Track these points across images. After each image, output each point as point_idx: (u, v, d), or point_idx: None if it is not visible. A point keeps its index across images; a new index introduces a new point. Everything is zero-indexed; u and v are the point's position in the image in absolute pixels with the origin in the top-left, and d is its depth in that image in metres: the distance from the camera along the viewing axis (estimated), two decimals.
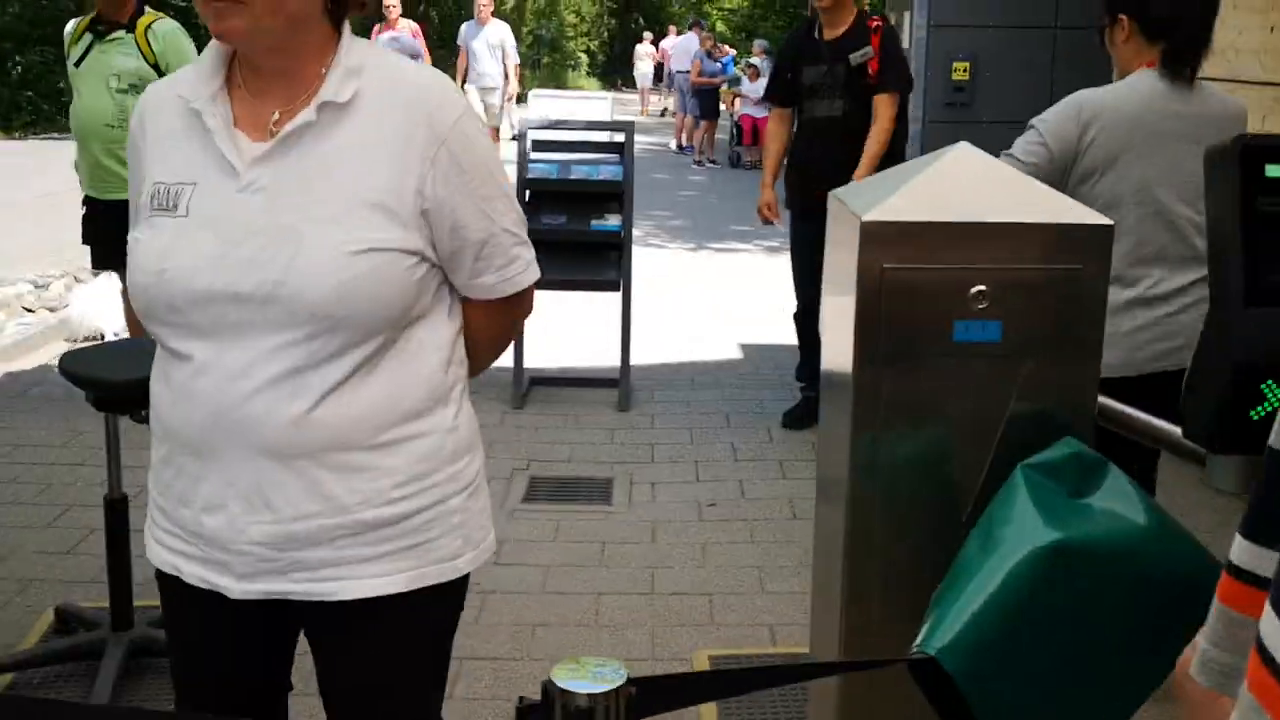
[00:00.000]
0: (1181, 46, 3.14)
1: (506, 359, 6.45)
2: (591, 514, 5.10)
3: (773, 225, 6.51)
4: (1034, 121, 3.21)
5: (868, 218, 1.81)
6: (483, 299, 1.89)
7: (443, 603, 1.88)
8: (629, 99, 31.50)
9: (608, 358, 6.78)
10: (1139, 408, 2.01)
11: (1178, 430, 1.73)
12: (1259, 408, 1.51)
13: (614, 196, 6.42)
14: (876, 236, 1.81)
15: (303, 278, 1.66)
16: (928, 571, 1.84)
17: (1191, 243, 3.11)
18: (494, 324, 1.94)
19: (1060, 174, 3.15)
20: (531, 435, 5.97)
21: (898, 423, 1.85)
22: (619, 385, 6.50)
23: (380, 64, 1.80)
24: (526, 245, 1.89)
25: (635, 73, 29.96)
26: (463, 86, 14.23)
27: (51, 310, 7.66)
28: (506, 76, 15.18)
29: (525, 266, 1.89)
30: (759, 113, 18.00)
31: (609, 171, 6.44)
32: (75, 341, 6.91)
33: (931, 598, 1.72)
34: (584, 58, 40.35)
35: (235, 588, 1.78)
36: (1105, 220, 1.83)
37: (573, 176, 6.43)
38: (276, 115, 1.75)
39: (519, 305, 1.95)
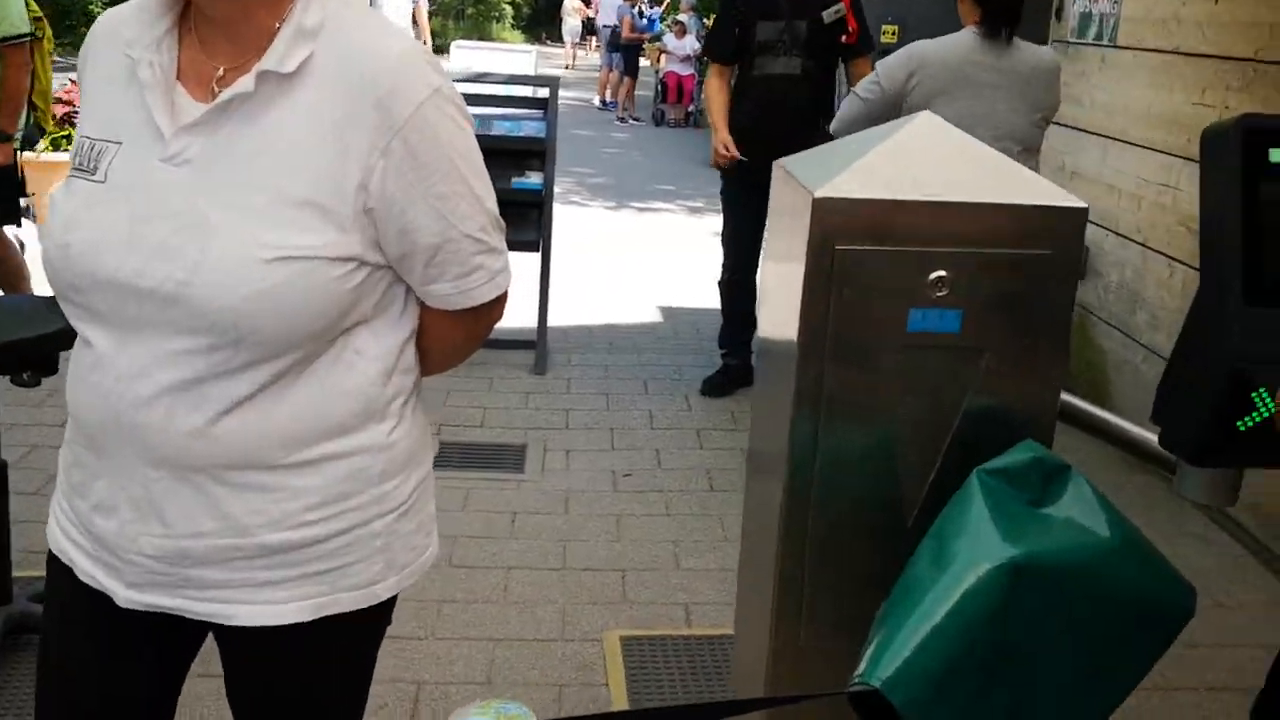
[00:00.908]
0: (997, 11, 4.01)
1: None
2: (503, 483, 4.90)
3: (737, 163, 5.56)
4: (877, 64, 4.18)
5: (820, 193, 1.63)
6: (440, 308, 1.64)
7: (359, 631, 1.66)
8: (554, 53, 31.01)
9: (525, 319, 6.57)
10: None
11: (1150, 435, 1.59)
12: (1247, 418, 1.37)
13: (536, 154, 6.18)
14: (829, 214, 1.63)
15: (207, 282, 1.43)
16: (866, 574, 1.69)
17: None
18: (452, 334, 1.69)
19: (892, 109, 3.95)
20: (442, 398, 5.75)
21: (842, 416, 1.69)
22: (535, 348, 6.30)
23: (343, 26, 1.49)
24: (494, 254, 1.62)
25: (563, 27, 29.48)
26: None
27: None
28: (415, 24, 13.42)
29: (488, 278, 1.62)
30: (684, 70, 17.80)
31: (532, 128, 6.20)
32: None
33: (876, 615, 1.57)
34: (509, 9, 39.63)
35: (122, 594, 1.55)
36: (1079, 202, 1.67)
37: (494, 133, 6.17)
38: (221, 72, 1.49)
39: (484, 317, 1.69)
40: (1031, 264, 1.67)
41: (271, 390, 1.50)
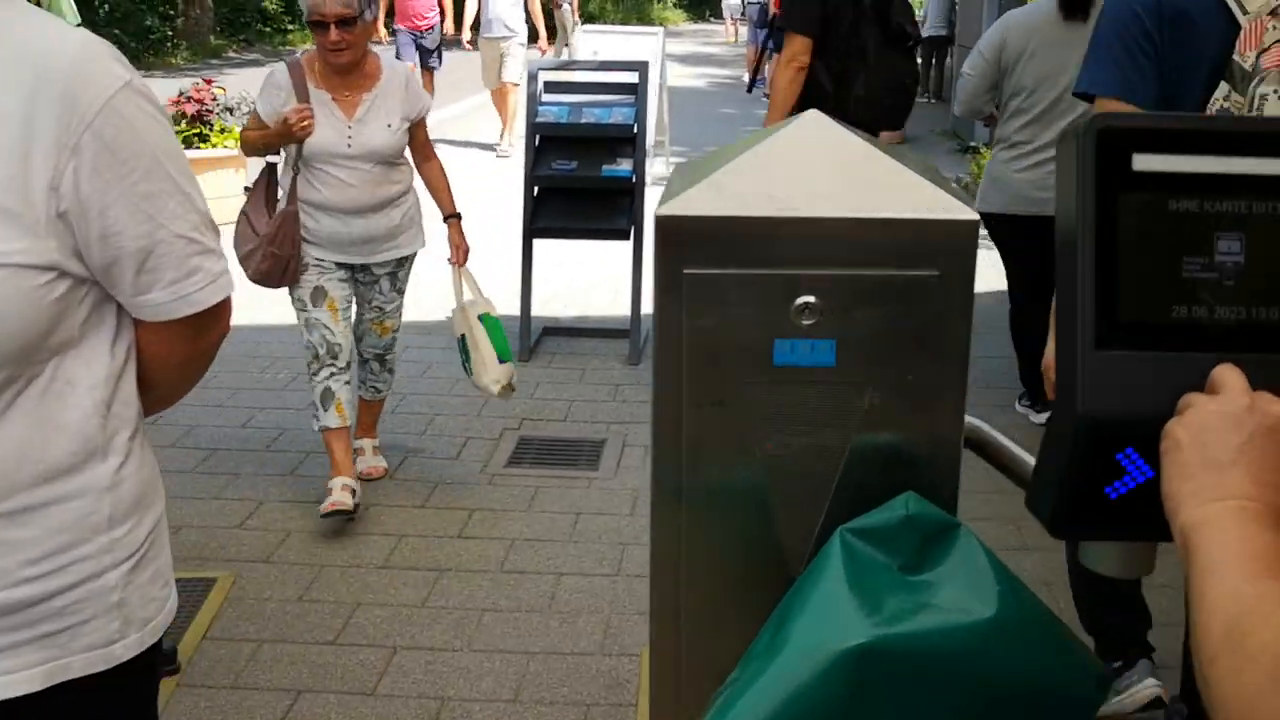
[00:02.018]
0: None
1: (513, 307, 6.20)
2: (573, 481, 4.78)
3: None
4: (978, 43, 4.93)
5: (663, 210, 1.43)
6: (157, 320, 1.49)
7: (102, 698, 1.50)
8: (715, 30, 30.69)
9: (620, 307, 6.45)
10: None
11: None
12: (1118, 482, 1.12)
13: (627, 140, 6.02)
14: (674, 234, 1.43)
15: None
16: (743, 647, 1.48)
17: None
18: (176, 350, 1.54)
19: (999, 72, 4.78)
20: (530, 390, 5.66)
21: (707, 461, 1.49)
22: (629, 337, 6.16)
23: (17, 24, 1.37)
24: (213, 255, 1.49)
25: (723, 3, 29.16)
26: (472, 39, 12.23)
27: None
28: (529, 13, 11.39)
29: (209, 280, 1.48)
30: None
31: (621, 114, 6.03)
32: None
33: (713, 696, 1.37)
34: None
35: None
36: (969, 214, 1.42)
37: (583, 120, 6.03)
38: None
39: (209, 326, 1.54)
40: (915, 287, 1.43)
41: None
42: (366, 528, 4.34)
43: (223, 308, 1.52)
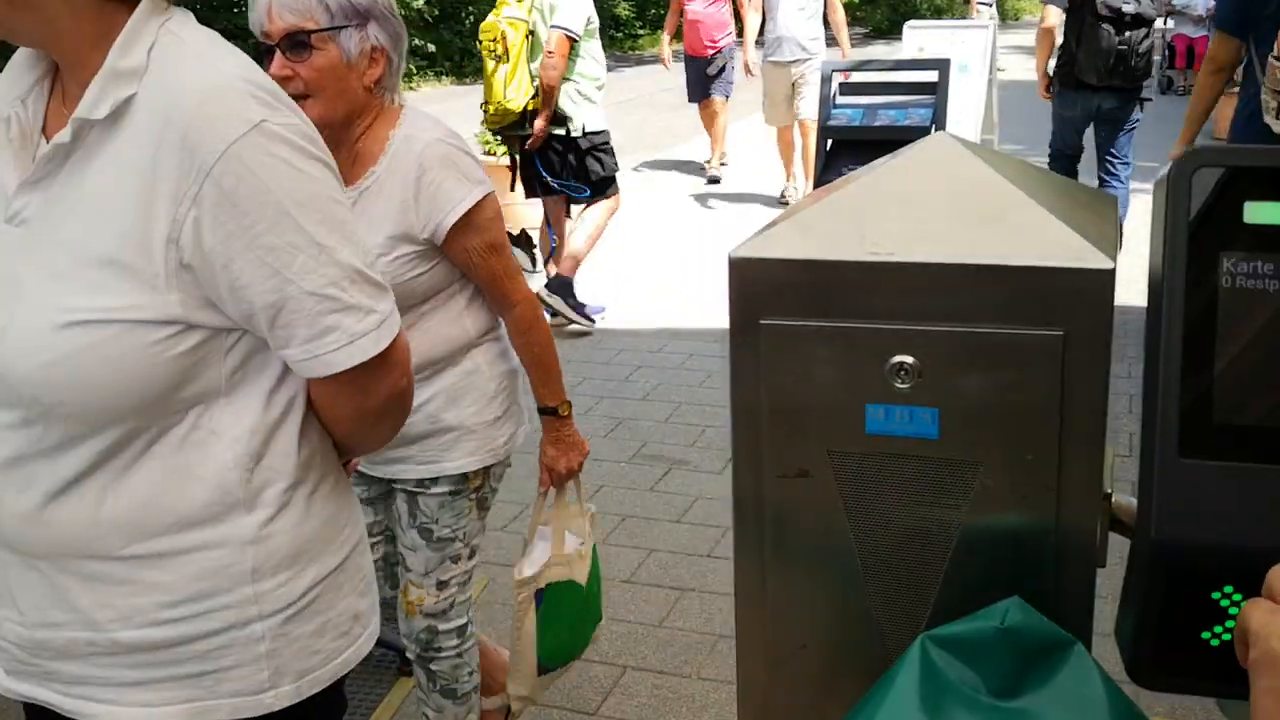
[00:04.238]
0: None
1: None
2: None
3: None
4: None
5: (738, 252, 1.25)
6: (303, 376, 1.44)
7: None
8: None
9: None
10: None
11: None
12: (1219, 628, 0.86)
13: None
14: (750, 278, 1.24)
15: (10, 350, 1.33)
16: None
17: None
18: (342, 405, 1.47)
19: None
20: None
21: (787, 545, 1.30)
22: None
23: (168, 63, 1.34)
24: (354, 312, 1.38)
25: None
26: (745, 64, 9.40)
27: None
28: (739, 18, 9.28)
29: (345, 341, 1.38)
30: (1195, 32, 15.83)
31: (918, 115, 5.73)
32: None
33: None
34: None
35: (4, 683, 1.54)
36: (1103, 262, 1.15)
37: (877, 123, 5.77)
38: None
39: (368, 386, 1.44)
40: (1035, 348, 1.18)
41: (103, 472, 1.39)
42: (619, 539, 4.31)
43: (383, 363, 1.43)
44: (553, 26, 5.72)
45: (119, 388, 1.34)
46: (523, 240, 7.32)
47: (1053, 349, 1.17)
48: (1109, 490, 1.25)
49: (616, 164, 6.16)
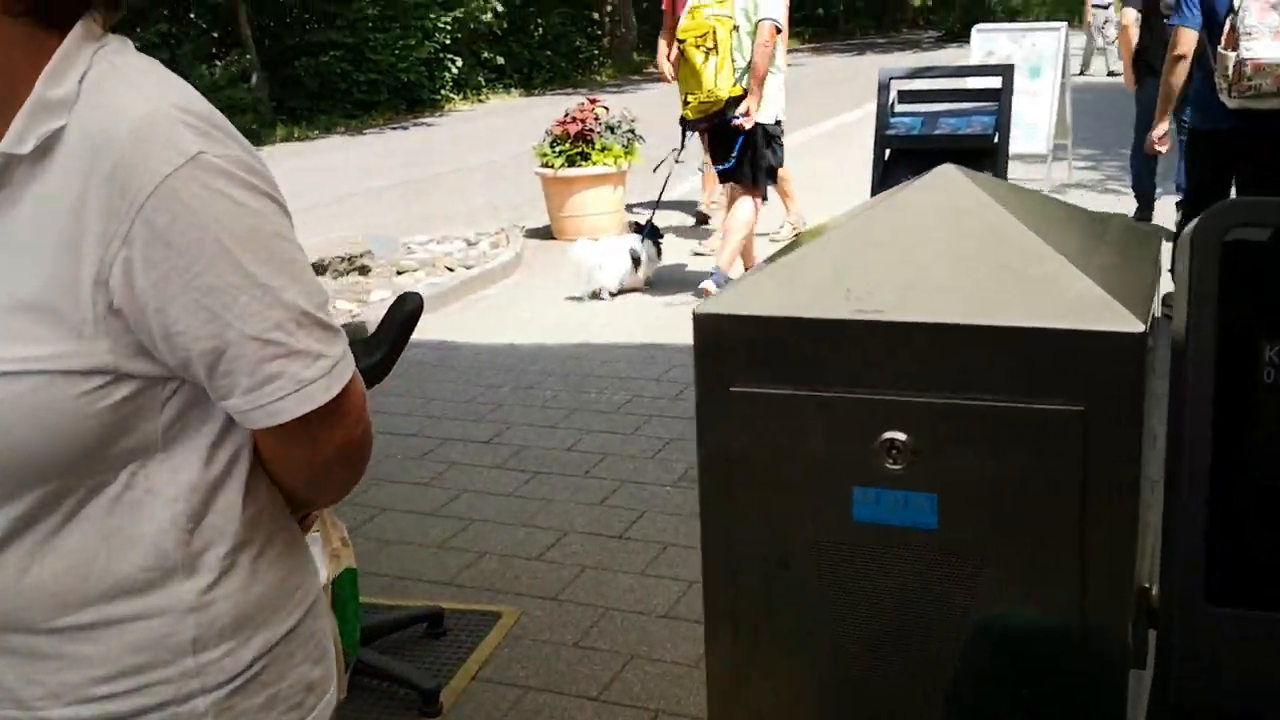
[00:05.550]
0: None
1: None
2: None
3: None
4: None
5: (704, 306, 1.08)
6: (248, 427, 1.32)
7: None
8: None
9: None
10: None
11: None
12: None
13: (988, 152, 5.48)
14: (717, 339, 1.07)
15: None
16: None
17: None
18: (291, 457, 1.36)
19: None
20: None
21: (765, 644, 1.12)
22: None
23: (102, 91, 1.25)
24: (301, 357, 1.26)
25: None
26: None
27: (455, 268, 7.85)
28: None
29: (292, 388, 1.25)
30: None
31: (981, 123, 5.49)
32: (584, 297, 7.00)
33: None
34: None
35: None
36: (1134, 325, 0.96)
37: (937, 131, 5.55)
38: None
39: (318, 436, 1.32)
40: (1051, 425, 0.99)
41: (27, 538, 1.28)
42: (659, 569, 4.13)
43: (335, 411, 1.30)
44: (762, 20, 6.23)
45: (44, 444, 1.23)
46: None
47: (1072, 426, 0.98)
48: (1146, 584, 1.06)
49: (782, 158, 6.65)
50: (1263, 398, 0.63)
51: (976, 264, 1.02)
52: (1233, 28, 4.45)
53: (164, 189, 1.18)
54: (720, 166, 6.75)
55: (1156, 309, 0.97)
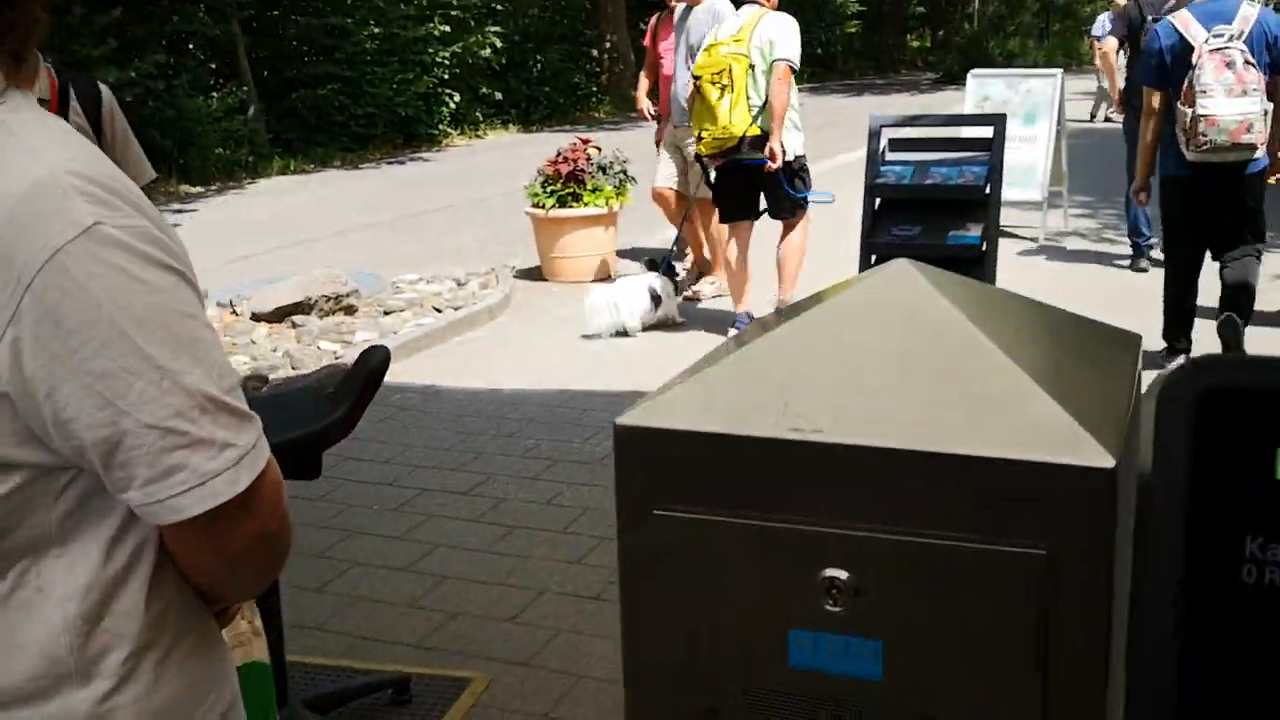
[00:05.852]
0: None
1: None
2: None
3: None
4: None
5: (625, 418, 0.96)
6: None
7: None
8: None
9: None
10: None
11: None
12: None
13: (979, 203, 5.38)
14: (638, 456, 0.95)
15: None
16: None
17: None
18: (198, 553, 1.23)
19: None
20: None
21: None
22: None
23: None
24: (204, 447, 1.15)
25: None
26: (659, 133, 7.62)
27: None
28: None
29: (195, 482, 1.14)
30: None
31: (972, 173, 5.38)
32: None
33: None
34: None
35: None
36: (1103, 459, 0.84)
37: (928, 181, 5.45)
38: None
39: (229, 529, 1.20)
40: (1010, 569, 0.87)
41: None
42: None
43: (244, 506, 1.18)
44: (776, 59, 6.21)
45: None
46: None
47: (1032, 570, 0.86)
48: None
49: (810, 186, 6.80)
50: (1246, 601, 0.51)
51: (929, 378, 0.90)
52: (1190, 84, 4.74)
53: (54, 263, 1.07)
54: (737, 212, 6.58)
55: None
